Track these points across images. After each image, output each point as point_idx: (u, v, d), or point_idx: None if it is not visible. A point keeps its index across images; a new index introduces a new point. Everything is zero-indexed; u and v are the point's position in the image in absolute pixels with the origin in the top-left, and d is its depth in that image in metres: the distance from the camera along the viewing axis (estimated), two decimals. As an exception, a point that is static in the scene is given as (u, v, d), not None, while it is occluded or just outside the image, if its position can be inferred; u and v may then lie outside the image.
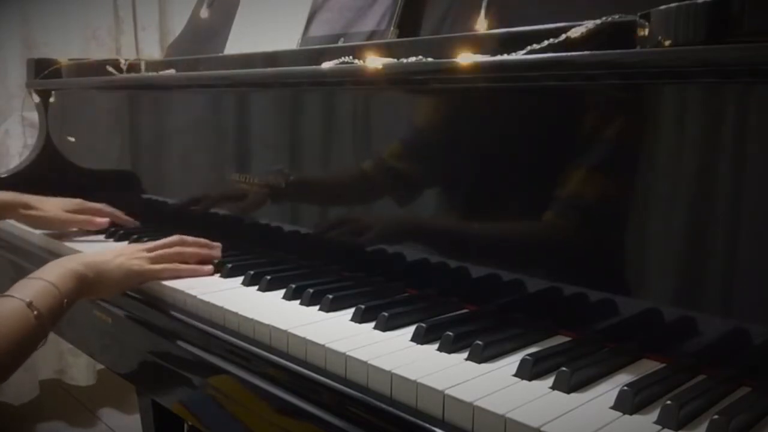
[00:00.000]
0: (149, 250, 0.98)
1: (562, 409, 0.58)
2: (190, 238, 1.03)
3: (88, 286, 0.88)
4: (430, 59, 0.86)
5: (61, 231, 1.26)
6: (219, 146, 1.23)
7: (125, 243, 1.19)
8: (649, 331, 0.69)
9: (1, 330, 0.75)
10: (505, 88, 0.80)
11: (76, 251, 1.17)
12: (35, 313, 0.78)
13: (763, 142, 0.61)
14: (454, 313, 0.82)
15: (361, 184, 0.97)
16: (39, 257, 1.24)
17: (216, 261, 1.02)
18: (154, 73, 1.36)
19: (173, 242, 1.01)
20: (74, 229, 1.27)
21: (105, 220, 1.25)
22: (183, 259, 0.99)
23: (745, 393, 0.62)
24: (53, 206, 1.24)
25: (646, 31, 0.67)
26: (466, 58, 0.79)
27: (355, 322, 0.79)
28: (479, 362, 0.68)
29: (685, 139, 0.66)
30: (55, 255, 1.21)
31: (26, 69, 1.74)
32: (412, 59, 0.86)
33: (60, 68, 1.67)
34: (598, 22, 0.72)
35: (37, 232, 1.29)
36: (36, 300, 0.79)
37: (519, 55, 0.75)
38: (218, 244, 1.05)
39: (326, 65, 0.96)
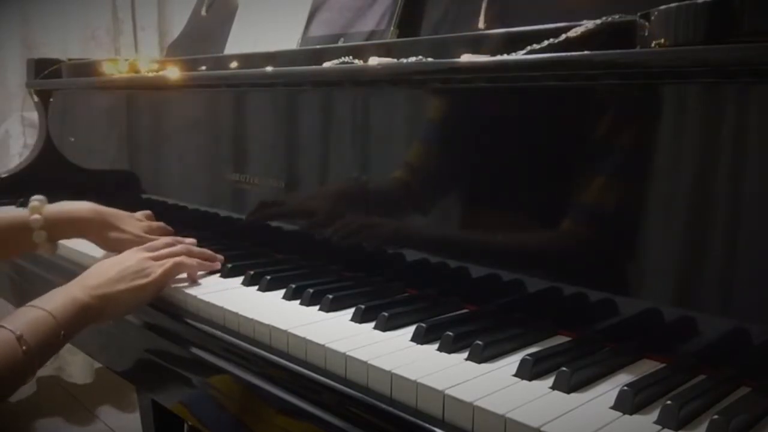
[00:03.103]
0: (154, 258, 0.93)
1: (562, 409, 0.58)
2: (196, 249, 1.00)
3: (95, 315, 0.84)
4: (430, 59, 0.86)
5: None
6: (219, 146, 1.23)
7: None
8: (649, 331, 0.69)
9: None
10: (505, 88, 0.80)
11: (75, 251, 1.17)
12: (24, 348, 0.74)
13: (763, 142, 0.61)
14: (454, 313, 0.82)
15: (361, 184, 0.97)
16: (38, 256, 1.24)
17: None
18: (154, 73, 1.36)
19: (179, 251, 0.97)
20: None
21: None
22: (185, 269, 0.96)
23: (745, 393, 0.62)
24: (133, 227, 1.09)
25: (646, 31, 0.67)
26: (466, 58, 0.79)
27: (355, 322, 0.79)
28: (479, 362, 0.68)
29: (685, 139, 0.66)
30: (59, 257, 1.21)
31: (26, 69, 1.74)
32: (412, 59, 0.86)
33: (60, 68, 1.67)
34: (598, 22, 0.72)
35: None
36: (27, 333, 0.74)
37: (519, 55, 0.75)
38: (221, 257, 1.01)
39: (326, 65, 0.96)
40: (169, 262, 0.92)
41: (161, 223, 1.15)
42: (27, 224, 1.01)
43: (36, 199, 1.04)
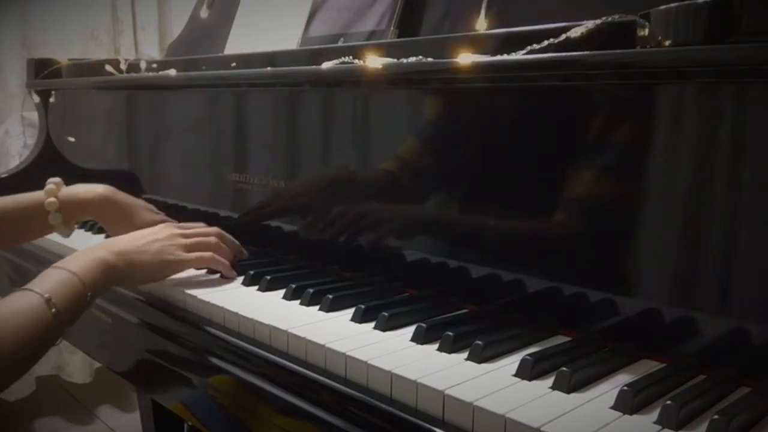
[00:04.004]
0: (185, 236, 0.94)
1: (562, 409, 0.58)
2: (228, 235, 1.01)
3: (118, 277, 0.85)
4: (430, 59, 0.86)
5: None
6: (219, 146, 1.23)
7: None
8: (649, 331, 0.69)
9: (17, 327, 0.72)
10: (505, 88, 0.80)
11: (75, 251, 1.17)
12: (53, 310, 0.75)
13: (763, 142, 0.61)
14: (454, 313, 0.82)
15: (361, 183, 0.97)
16: (38, 256, 1.24)
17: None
18: (154, 73, 1.36)
19: (211, 232, 0.98)
20: None
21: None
22: (220, 252, 0.96)
23: (745, 393, 0.62)
24: (144, 220, 1.08)
25: (646, 31, 0.67)
26: (466, 58, 0.79)
27: (355, 322, 0.79)
28: (479, 362, 0.68)
29: (684, 139, 0.66)
30: (55, 254, 1.21)
31: (26, 69, 1.74)
32: (412, 59, 0.86)
33: (60, 68, 1.67)
34: (598, 22, 0.72)
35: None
36: (55, 295, 0.76)
37: (519, 55, 0.75)
38: (246, 253, 1.02)
39: (326, 65, 0.96)
40: (206, 254, 0.94)
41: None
42: (43, 207, 1.03)
43: (52, 182, 1.06)
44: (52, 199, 1.03)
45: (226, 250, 0.99)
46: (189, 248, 0.93)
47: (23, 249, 1.29)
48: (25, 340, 0.72)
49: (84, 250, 0.84)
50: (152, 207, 1.13)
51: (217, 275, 0.98)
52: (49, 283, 0.77)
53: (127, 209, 1.08)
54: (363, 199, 0.98)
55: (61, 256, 1.18)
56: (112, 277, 0.84)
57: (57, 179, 1.06)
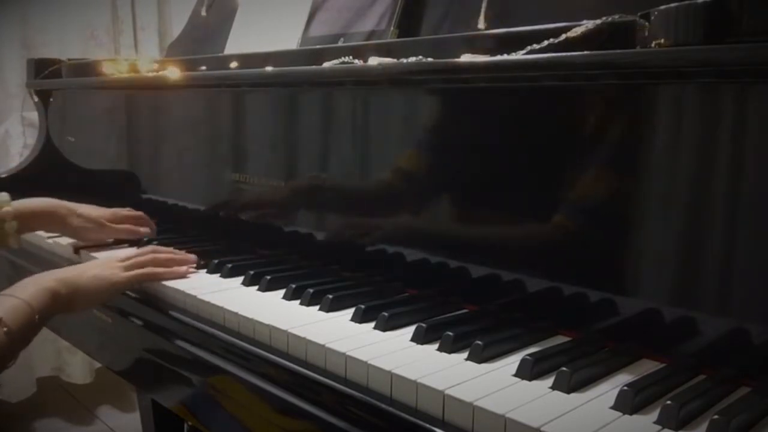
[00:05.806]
0: (123, 260, 0.98)
1: (562, 409, 0.58)
2: (163, 248, 1.03)
3: (63, 302, 0.89)
4: (430, 59, 0.86)
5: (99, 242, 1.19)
6: (219, 146, 1.23)
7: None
8: (649, 331, 0.69)
9: None
10: (505, 88, 0.80)
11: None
12: (5, 329, 0.79)
13: (763, 142, 0.61)
14: (454, 313, 0.82)
15: (361, 183, 0.97)
16: (38, 257, 1.24)
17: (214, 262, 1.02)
18: (154, 73, 1.36)
19: (146, 251, 1.01)
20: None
21: (146, 229, 1.19)
22: (157, 264, 0.99)
23: (745, 393, 0.62)
24: (94, 212, 1.17)
25: (646, 31, 0.67)
26: (466, 58, 0.79)
27: (355, 322, 0.79)
28: (479, 362, 0.68)
29: (684, 139, 0.66)
30: (55, 255, 1.22)
31: (26, 69, 1.74)
32: (412, 59, 0.86)
33: (60, 68, 1.67)
34: (598, 22, 0.72)
35: (38, 232, 1.29)
36: (6, 317, 0.80)
37: (519, 55, 0.75)
38: (194, 257, 1.03)
39: (326, 65, 0.96)
40: (140, 271, 0.97)
41: (127, 211, 1.21)
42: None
43: (2, 194, 1.13)
44: (8, 208, 1.10)
45: (165, 258, 1.00)
46: (127, 269, 0.97)
47: (23, 249, 1.29)
48: None
49: (29, 279, 0.89)
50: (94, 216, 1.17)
51: (218, 275, 0.98)
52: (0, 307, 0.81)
53: (75, 208, 1.16)
54: (363, 198, 0.97)
55: (59, 256, 1.19)
56: (59, 303, 0.88)
57: (4, 193, 1.13)
